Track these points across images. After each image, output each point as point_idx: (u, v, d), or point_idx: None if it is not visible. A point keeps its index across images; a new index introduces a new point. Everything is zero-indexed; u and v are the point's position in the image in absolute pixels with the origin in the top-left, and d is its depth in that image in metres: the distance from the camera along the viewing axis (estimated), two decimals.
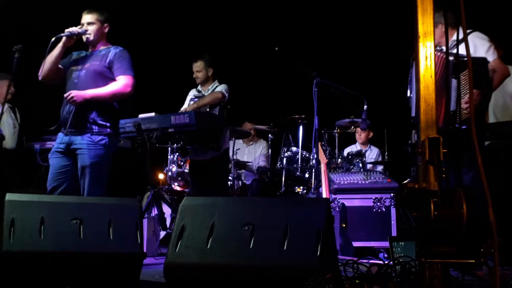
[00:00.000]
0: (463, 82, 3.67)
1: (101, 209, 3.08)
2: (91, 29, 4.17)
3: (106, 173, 4.06)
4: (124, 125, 4.65)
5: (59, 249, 2.88)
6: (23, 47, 4.11)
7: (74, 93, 3.93)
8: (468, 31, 3.82)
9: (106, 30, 4.25)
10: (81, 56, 4.26)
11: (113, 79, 4.08)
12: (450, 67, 3.62)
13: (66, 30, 4.10)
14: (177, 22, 7.63)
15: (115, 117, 4.18)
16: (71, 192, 3.99)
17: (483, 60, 3.71)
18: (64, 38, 4.08)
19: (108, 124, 4.06)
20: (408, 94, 4.23)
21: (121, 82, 4.05)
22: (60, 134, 4.10)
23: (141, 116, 4.76)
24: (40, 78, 4.18)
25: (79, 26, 4.17)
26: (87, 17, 4.18)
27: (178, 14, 7.61)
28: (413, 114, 4.11)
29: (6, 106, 5.77)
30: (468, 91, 3.58)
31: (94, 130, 4.01)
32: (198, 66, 5.39)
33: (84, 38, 4.18)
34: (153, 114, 4.76)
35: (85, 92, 3.96)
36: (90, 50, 4.26)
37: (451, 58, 3.61)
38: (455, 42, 3.57)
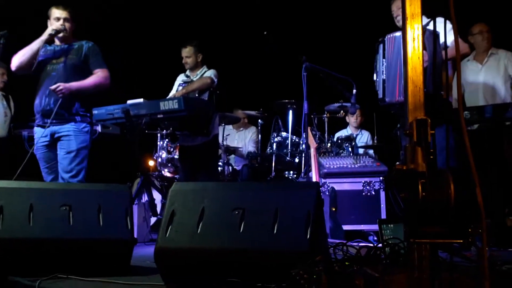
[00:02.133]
0: None
1: (91, 195, 3.07)
2: (68, 25, 4.37)
3: (87, 159, 4.29)
4: (113, 111, 4.63)
5: (49, 235, 2.88)
6: (8, 33, 4.10)
7: (62, 85, 4.14)
8: (428, 20, 3.97)
9: (74, 26, 4.45)
10: (52, 50, 4.40)
11: (88, 72, 4.33)
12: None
13: (52, 28, 4.29)
14: (165, 7, 7.57)
15: (91, 107, 4.46)
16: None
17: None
18: (48, 36, 4.27)
19: (88, 114, 4.37)
20: (374, 78, 4.37)
21: (101, 75, 4.34)
22: (38, 129, 4.22)
23: (129, 102, 4.73)
24: (14, 68, 4.35)
25: (60, 23, 4.33)
26: (63, 13, 4.37)
27: None
28: (380, 96, 4.33)
29: None
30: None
31: (77, 119, 4.26)
32: (187, 52, 5.36)
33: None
34: (141, 100, 4.74)
35: (70, 84, 4.19)
36: (59, 44, 4.42)
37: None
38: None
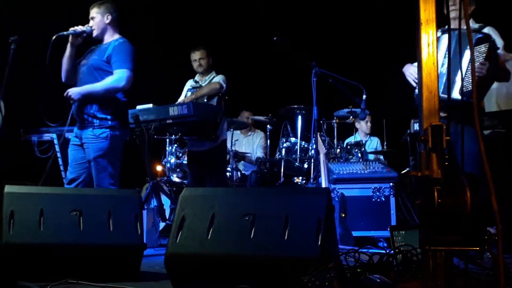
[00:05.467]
0: (476, 54, 3.77)
1: (101, 201, 3.08)
2: (93, 23, 4.20)
3: (114, 165, 4.10)
4: None
5: (59, 240, 2.88)
6: (19, 39, 4.10)
7: (70, 91, 4.01)
8: (478, 24, 3.91)
9: (108, 20, 4.23)
10: (89, 51, 4.30)
11: (112, 73, 4.10)
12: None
13: (70, 29, 4.15)
14: (173, 13, 7.59)
15: (120, 109, 4.18)
16: (88, 183, 4.08)
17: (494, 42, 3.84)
18: (70, 38, 4.14)
19: (108, 117, 4.08)
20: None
21: (115, 77, 4.06)
22: (75, 128, 4.18)
23: (139, 107, 4.74)
24: (64, 80, 4.25)
25: (90, 23, 4.21)
26: (90, 13, 4.23)
27: (173, 4, 7.57)
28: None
29: None
30: (480, 62, 3.72)
31: (95, 124, 4.06)
32: (201, 54, 5.35)
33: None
34: (151, 105, 4.75)
35: (81, 88, 4.04)
36: (97, 44, 4.31)
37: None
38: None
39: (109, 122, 4.08)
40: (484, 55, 3.76)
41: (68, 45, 4.15)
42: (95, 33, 4.20)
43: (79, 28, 4.15)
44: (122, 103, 4.20)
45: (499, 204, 1.76)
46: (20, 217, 2.87)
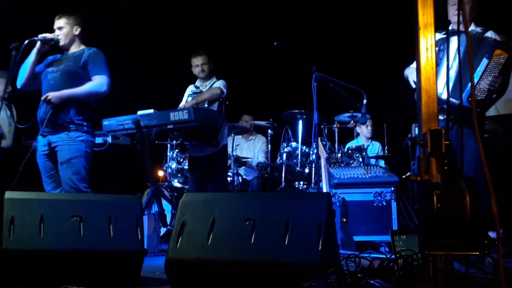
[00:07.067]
0: (492, 64, 3.71)
1: (101, 206, 3.07)
2: (61, 33, 4.27)
3: (87, 169, 4.12)
4: (123, 122, 4.64)
5: (59, 246, 2.87)
6: (20, 45, 4.11)
7: (50, 95, 4.03)
8: (480, 28, 3.88)
9: (77, 32, 4.31)
10: (57, 59, 4.34)
11: (88, 79, 4.17)
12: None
13: (40, 35, 4.18)
14: (173, 18, 7.60)
15: (92, 116, 4.26)
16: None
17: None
18: (38, 44, 4.17)
19: (84, 123, 4.15)
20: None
21: (96, 82, 4.15)
22: (39, 137, 4.22)
23: (139, 112, 4.74)
24: (18, 86, 4.28)
25: (56, 33, 4.26)
26: (57, 23, 4.29)
27: (174, 9, 7.59)
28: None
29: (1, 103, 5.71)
30: (494, 76, 3.65)
31: (72, 129, 4.09)
32: (203, 59, 5.36)
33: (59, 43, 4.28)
34: (151, 110, 4.75)
35: (61, 92, 4.06)
36: (65, 53, 4.35)
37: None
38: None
39: (85, 128, 4.16)
40: (500, 67, 3.69)
41: (35, 51, 4.18)
42: (62, 43, 4.26)
43: (48, 35, 4.20)
44: (94, 110, 4.27)
45: (501, 208, 1.76)
46: (20, 223, 2.87)
